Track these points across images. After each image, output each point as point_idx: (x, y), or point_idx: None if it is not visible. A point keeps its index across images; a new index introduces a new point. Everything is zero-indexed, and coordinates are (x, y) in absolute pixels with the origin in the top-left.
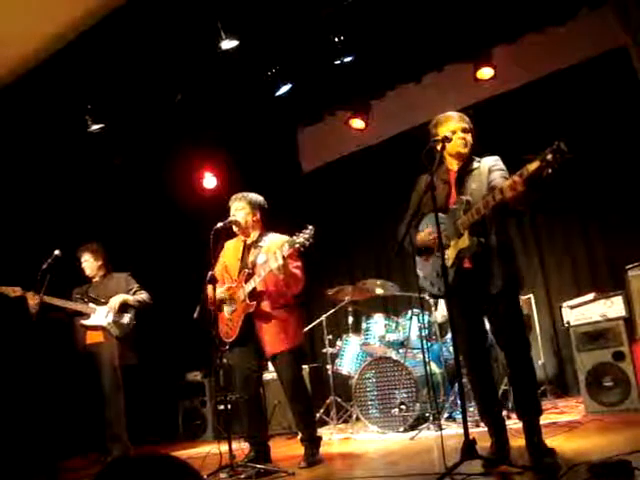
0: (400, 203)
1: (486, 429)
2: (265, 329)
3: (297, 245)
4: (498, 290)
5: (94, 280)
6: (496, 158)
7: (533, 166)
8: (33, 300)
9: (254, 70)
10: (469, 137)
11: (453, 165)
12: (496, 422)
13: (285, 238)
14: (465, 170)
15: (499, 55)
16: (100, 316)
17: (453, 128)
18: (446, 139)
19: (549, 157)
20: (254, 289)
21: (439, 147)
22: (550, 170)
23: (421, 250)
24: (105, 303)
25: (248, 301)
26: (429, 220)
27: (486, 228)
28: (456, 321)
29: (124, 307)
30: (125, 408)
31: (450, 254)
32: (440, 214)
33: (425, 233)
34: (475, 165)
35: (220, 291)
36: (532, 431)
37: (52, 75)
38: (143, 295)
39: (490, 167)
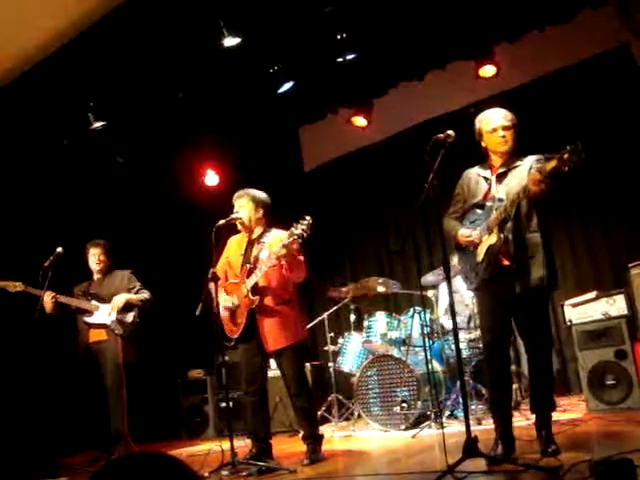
0: (402, 201)
1: (488, 427)
2: (267, 325)
3: (295, 236)
4: (535, 286)
5: (96, 277)
6: (539, 156)
7: (551, 164)
8: (49, 298)
9: (256, 67)
10: (509, 135)
11: (496, 162)
12: (506, 416)
13: (287, 233)
14: (507, 168)
15: (501, 53)
16: (103, 314)
17: (493, 126)
18: (448, 136)
19: (566, 156)
20: (256, 284)
21: (447, 143)
22: (567, 168)
23: (458, 246)
24: (108, 301)
25: (251, 296)
26: (470, 216)
27: (521, 225)
28: (485, 309)
29: (127, 306)
30: (128, 406)
31: (480, 250)
32: (477, 210)
33: (463, 234)
34: (518, 163)
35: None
36: (543, 424)
37: (55, 72)
38: (145, 294)
39: (532, 164)
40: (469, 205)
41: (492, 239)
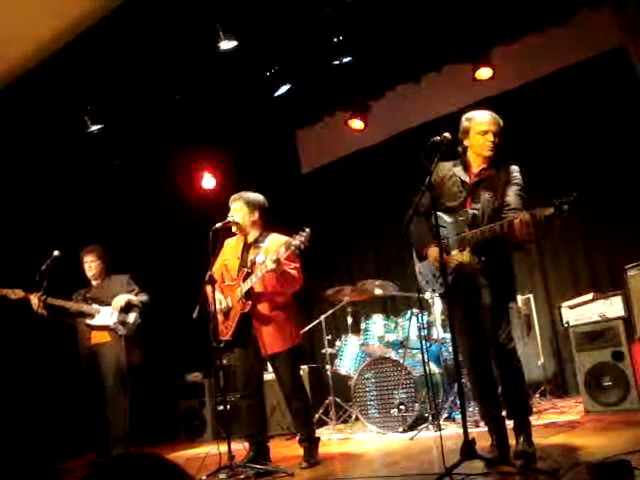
0: (399, 203)
1: (486, 429)
2: (263, 330)
3: (293, 247)
4: (497, 297)
5: (95, 283)
6: (514, 169)
7: (548, 212)
8: (36, 300)
9: (253, 70)
10: (497, 141)
11: (475, 164)
12: (496, 421)
13: (285, 239)
14: (483, 175)
15: (498, 55)
16: (105, 316)
17: (485, 129)
18: (445, 139)
19: (565, 207)
20: (251, 289)
21: (443, 147)
22: (559, 220)
23: (422, 257)
24: (108, 304)
25: (244, 300)
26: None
27: (489, 244)
28: (456, 322)
29: (128, 307)
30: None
31: (449, 264)
32: (445, 217)
33: (433, 253)
34: (494, 172)
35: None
36: (520, 430)
37: (51, 76)
38: (144, 297)
39: (508, 179)
40: (439, 204)
41: (465, 258)
